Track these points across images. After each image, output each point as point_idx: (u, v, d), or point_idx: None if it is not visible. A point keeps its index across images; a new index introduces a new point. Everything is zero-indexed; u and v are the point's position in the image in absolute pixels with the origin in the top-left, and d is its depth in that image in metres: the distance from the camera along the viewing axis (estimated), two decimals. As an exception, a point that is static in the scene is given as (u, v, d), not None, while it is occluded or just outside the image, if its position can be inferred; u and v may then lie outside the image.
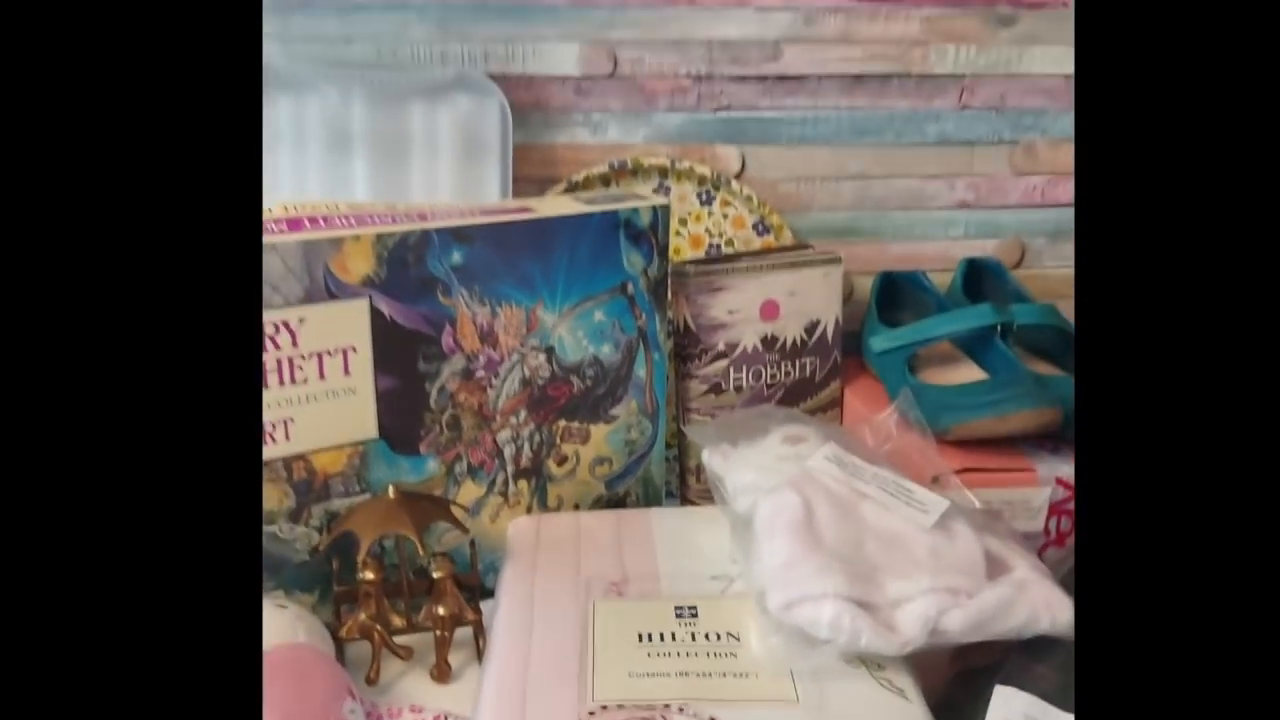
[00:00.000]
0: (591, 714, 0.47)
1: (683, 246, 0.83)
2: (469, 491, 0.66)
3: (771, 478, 0.59)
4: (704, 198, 0.83)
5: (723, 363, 0.74)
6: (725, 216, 0.83)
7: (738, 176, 0.83)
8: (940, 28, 0.81)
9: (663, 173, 0.81)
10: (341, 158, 0.74)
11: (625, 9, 0.78)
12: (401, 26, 0.77)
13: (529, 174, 0.80)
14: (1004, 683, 0.50)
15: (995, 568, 0.54)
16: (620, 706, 0.48)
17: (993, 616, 0.51)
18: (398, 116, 0.75)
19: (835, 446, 0.62)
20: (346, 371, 0.60)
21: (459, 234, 0.61)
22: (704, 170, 0.81)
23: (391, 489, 0.58)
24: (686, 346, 0.74)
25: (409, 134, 0.75)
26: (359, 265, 0.58)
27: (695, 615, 0.55)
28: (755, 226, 0.83)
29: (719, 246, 0.83)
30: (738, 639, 0.53)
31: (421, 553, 0.56)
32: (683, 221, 0.83)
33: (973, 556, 0.54)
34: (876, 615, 0.52)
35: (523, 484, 0.68)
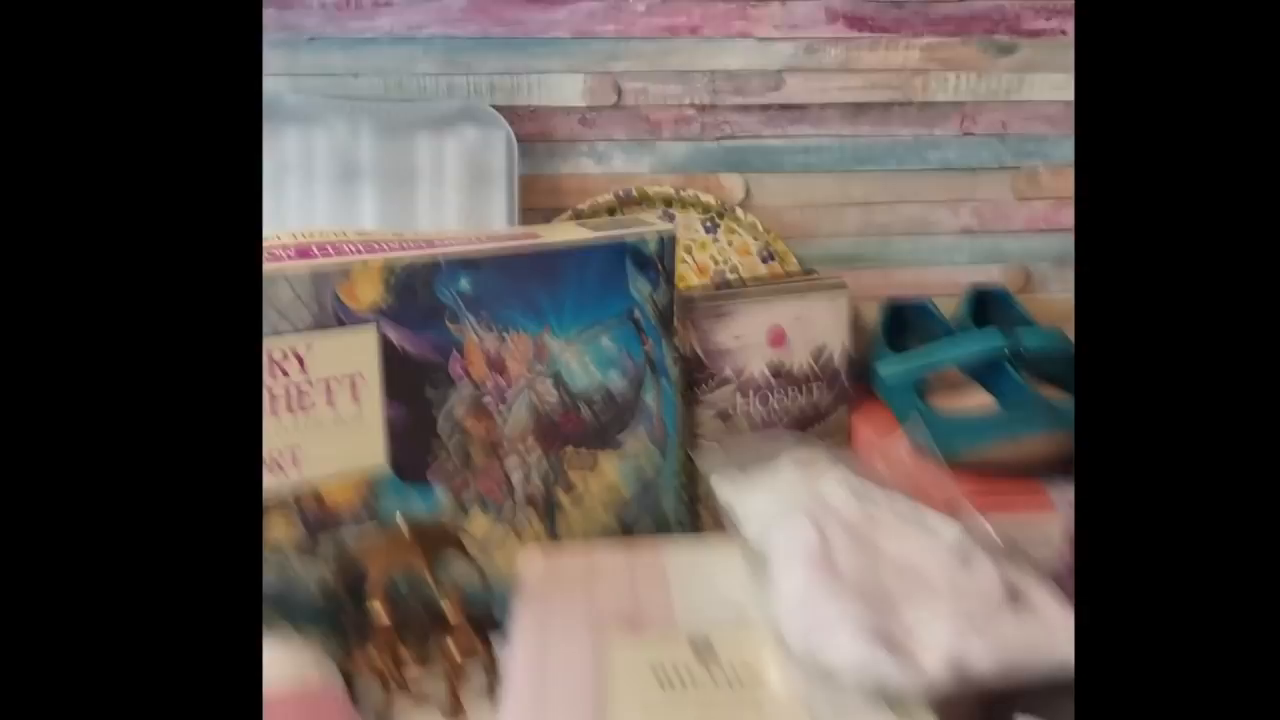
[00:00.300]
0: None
1: (688, 274, 0.83)
2: (478, 522, 0.66)
3: (783, 505, 0.58)
4: (709, 226, 0.83)
5: (730, 388, 0.74)
6: (730, 244, 0.83)
7: (742, 204, 0.83)
8: (940, 56, 0.82)
9: (667, 202, 0.81)
10: (349, 189, 0.74)
11: (628, 40, 0.79)
12: (408, 60, 0.77)
13: (535, 204, 0.80)
14: (1024, 711, 0.49)
15: (1017, 600, 0.53)
16: (638, 742, 0.47)
17: (1019, 652, 0.49)
18: (405, 148, 0.75)
19: (846, 471, 0.61)
20: (355, 399, 0.59)
21: (467, 261, 0.61)
22: (708, 199, 0.82)
23: (401, 520, 0.58)
24: (694, 373, 0.74)
25: (416, 165, 0.76)
26: (367, 292, 0.58)
27: (712, 651, 0.54)
28: (760, 254, 0.83)
29: (724, 274, 0.83)
30: (758, 674, 0.52)
31: (435, 589, 0.55)
32: (688, 250, 0.83)
33: (992, 586, 0.53)
34: (897, 647, 0.51)
35: (531, 514, 0.68)
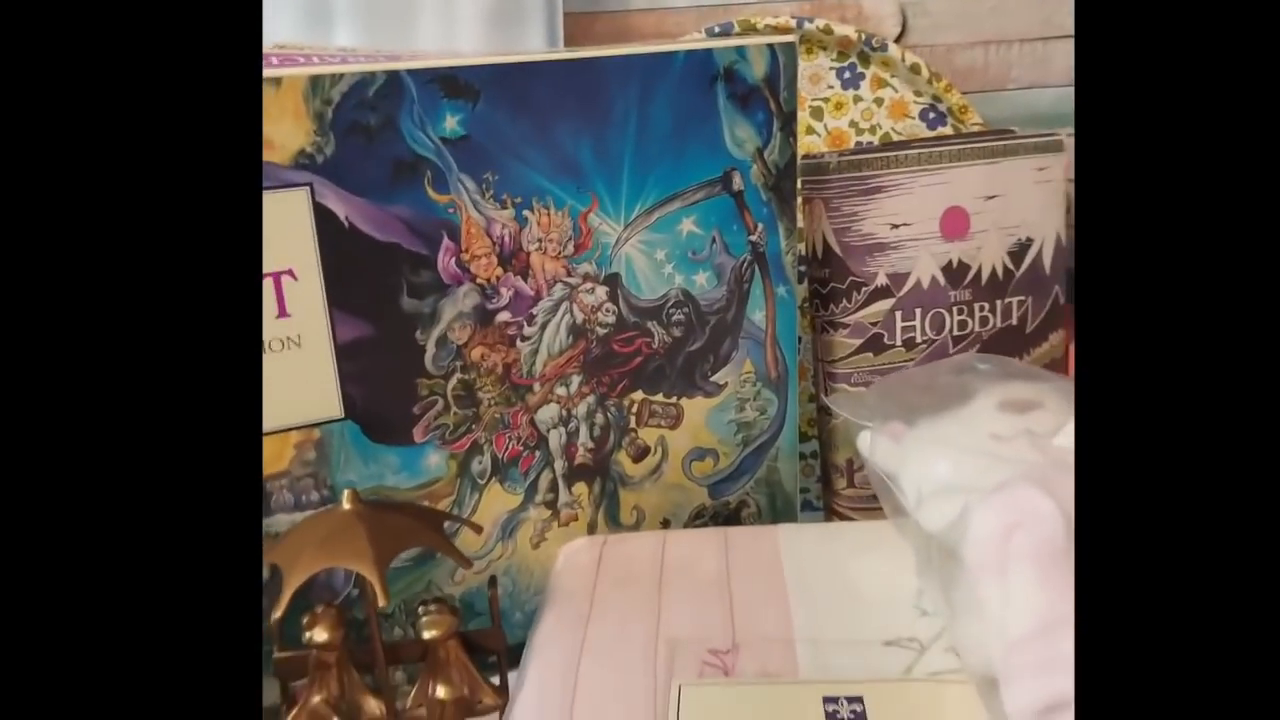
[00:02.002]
0: None
1: (819, 147, 0.58)
2: (497, 501, 0.43)
3: (989, 470, 0.34)
4: (848, 75, 0.58)
5: (885, 304, 0.49)
6: (879, 102, 0.58)
7: (897, 40, 0.58)
8: None
9: (786, 43, 0.57)
10: (318, 31, 0.52)
11: None
12: None
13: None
14: None
15: None
16: None
17: None
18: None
19: (1100, 413, 0.36)
20: (282, 311, 0.38)
21: (452, 83, 0.38)
22: (847, 33, 0.56)
23: (348, 498, 0.36)
24: (829, 280, 0.49)
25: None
26: (287, 132, 0.36)
27: (861, 716, 0.31)
28: (925, 114, 0.58)
29: (872, 146, 0.58)
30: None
31: (382, 598, 0.33)
32: (816, 113, 0.58)
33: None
34: None
35: (580, 489, 0.45)
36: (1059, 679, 0.27)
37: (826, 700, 0.32)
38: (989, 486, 0.33)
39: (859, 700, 0.31)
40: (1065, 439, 0.34)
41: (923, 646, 0.34)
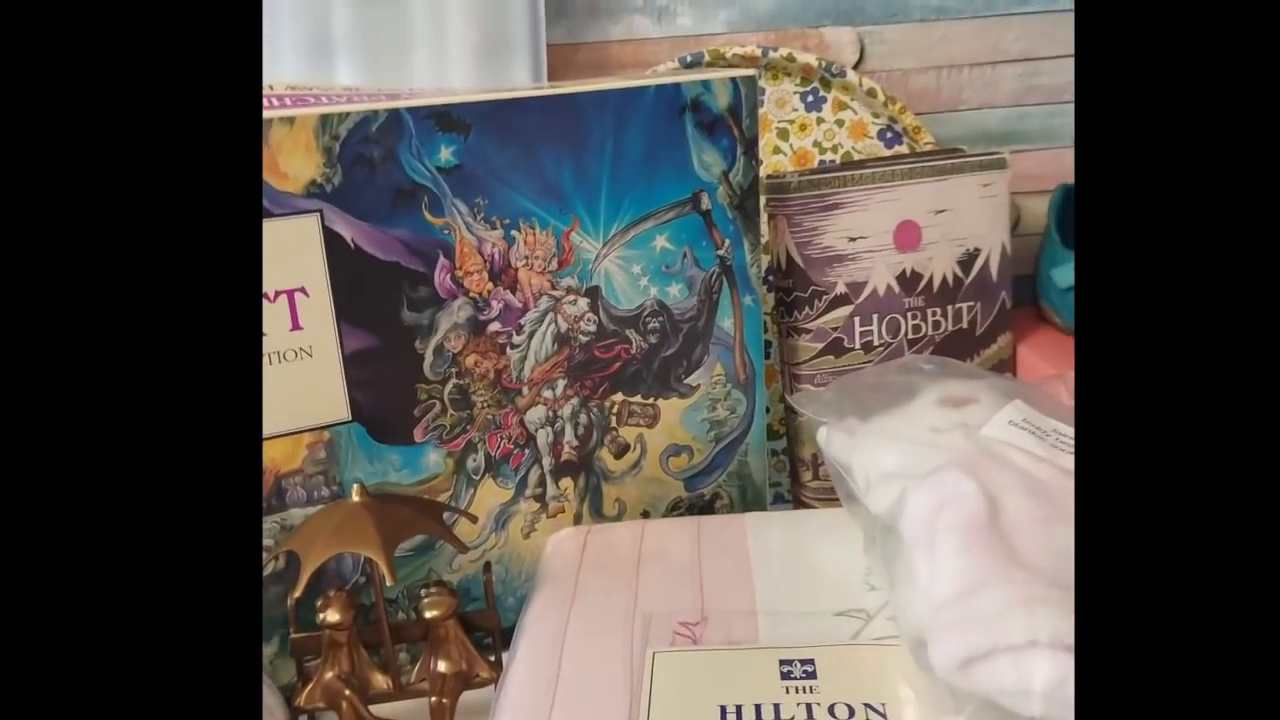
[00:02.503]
0: None
1: (784, 167, 0.62)
2: (491, 495, 0.48)
3: (927, 458, 0.38)
4: (811, 99, 0.62)
5: (844, 310, 0.53)
6: (841, 123, 0.62)
7: (855, 66, 0.62)
8: None
9: (753, 67, 0.61)
10: (320, 67, 0.56)
11: None
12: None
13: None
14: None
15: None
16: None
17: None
18: (391, 10, 0.57)
19: (1024, 405, 0.40)
20: (295, 324, 0.42)
21: (446, 119, 0.42)
22: (809, 60, 0.61)
23: (357, 491, 0.40)
24: (792, 289, 0.54)
25: (408, 33, 0.58)
26: (299, 164, 0.40)
27: (812, 675, 0.35)
28: (882, 134, 0.62)
29: (831, 165, 0.62)
30: (884, 716, 0.33)
31: (389, 578, 0.37)
32: (782, 134, 0.62)
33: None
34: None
35: (567, 483, 0.49)
36: (976, 635, 0.31)
37: (782, 663, 0.36)
38: (924, 472, 0.37)
39: (811, 662, 0.36)
40: (991, 429, 0.39)
41: (869, 616, 0.38)
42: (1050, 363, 0.57)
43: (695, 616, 0.39)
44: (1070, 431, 0.39)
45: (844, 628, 0.38)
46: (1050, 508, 0.35)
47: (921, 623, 0.33)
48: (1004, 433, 0.38)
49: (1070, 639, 0.30)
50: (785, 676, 0.35)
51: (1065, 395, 0.46)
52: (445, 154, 0.43)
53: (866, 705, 0.33)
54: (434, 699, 0.41)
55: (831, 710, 0.33)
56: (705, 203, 0.48)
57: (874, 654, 0.36)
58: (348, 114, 0.41)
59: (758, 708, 0.33)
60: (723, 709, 0.33)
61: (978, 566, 0.32)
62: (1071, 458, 0.37)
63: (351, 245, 0.42)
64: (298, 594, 0.37)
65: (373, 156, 0.41)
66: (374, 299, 0.43)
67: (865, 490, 0.40)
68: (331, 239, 0.42)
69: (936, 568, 0.33)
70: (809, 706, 0.33)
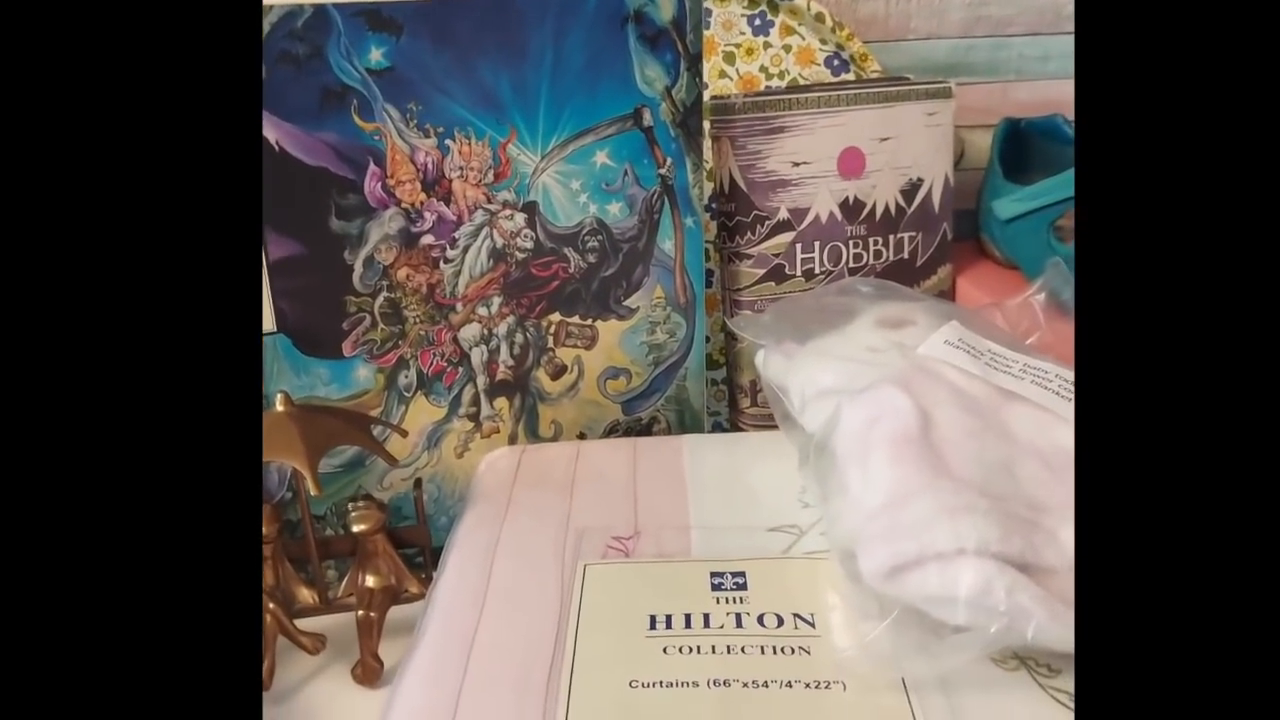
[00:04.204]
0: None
1: (730, 91, 0.61)
2: (423, 413, 0.47)
3: (863, 376, 0.38)
4: (758, 23, 0.61)
5: (786, 236, 0.53)
6: (788, 49, 0.61)
7: (804, -10, 0.61)
8: None
9: (700, -8, 0.60)
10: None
11: None
12: None
13: None
14: None
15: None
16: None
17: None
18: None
19: (960, 326, 0.40)
20: (217, 228, 0.40)
21: (376, 17, 0.40)
22: (756, -18, 0.59)
23: (280, 400, 0.39)
24: (735, 213, 0.53)
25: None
26: (219, 59, 0.38)
27: (743, 586, 0.35)
28: (829, 61, 0.61)
29: (776, 89, 0.62)
30: (812, 625, 0.33)
31: (314, 488, 0.36)
32: (729, 57, 0.61)
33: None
34: (1046, 582, 0.31)
35: (502, 404, 0.48)
36: (905, 543, 0.31)
37: (713, 575, 0.36)
38: (859, 389, 0.37)
39: (741, 574, 0.36)
40: (927, 348, 0.39)
41: (801, 531, 0.38)
42: (990, 295, 0.57)
43: (628, 531, 0.39)
44: (1004, 351, 0.39)
45: (776, 542, 0.38)
46: (982, 421, 0.35)
47: (852, 533, 0.33)
48: (940, 351, 0.38)
49: (996, 547, 0.31)
50: (716, 588, 0.35)
51: (1001, 321, 0.46)
52: (376, 55, 0.41)
53: (795, 615, 0.33)
54: (360, 613, 0.40)
55: (760, 619, 0.33)
56: (647, 119, 0.46)
57: (805, 567, 0.36)
58: (271, 6, 0.38)
59: (687, 617, 0.33)
60: (652, 618, 0.33)
61: (908, 477, 0.32)
62: (1005, 376, 0.38)
63: (276, 148, 0.40)
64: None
65: (298, 54, 0.40)
66: (301, 205, 0.42)
67: (801, 409, 0.40)
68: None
69: (868, 479, 0.33)
70: (738, 616, 0.33)
